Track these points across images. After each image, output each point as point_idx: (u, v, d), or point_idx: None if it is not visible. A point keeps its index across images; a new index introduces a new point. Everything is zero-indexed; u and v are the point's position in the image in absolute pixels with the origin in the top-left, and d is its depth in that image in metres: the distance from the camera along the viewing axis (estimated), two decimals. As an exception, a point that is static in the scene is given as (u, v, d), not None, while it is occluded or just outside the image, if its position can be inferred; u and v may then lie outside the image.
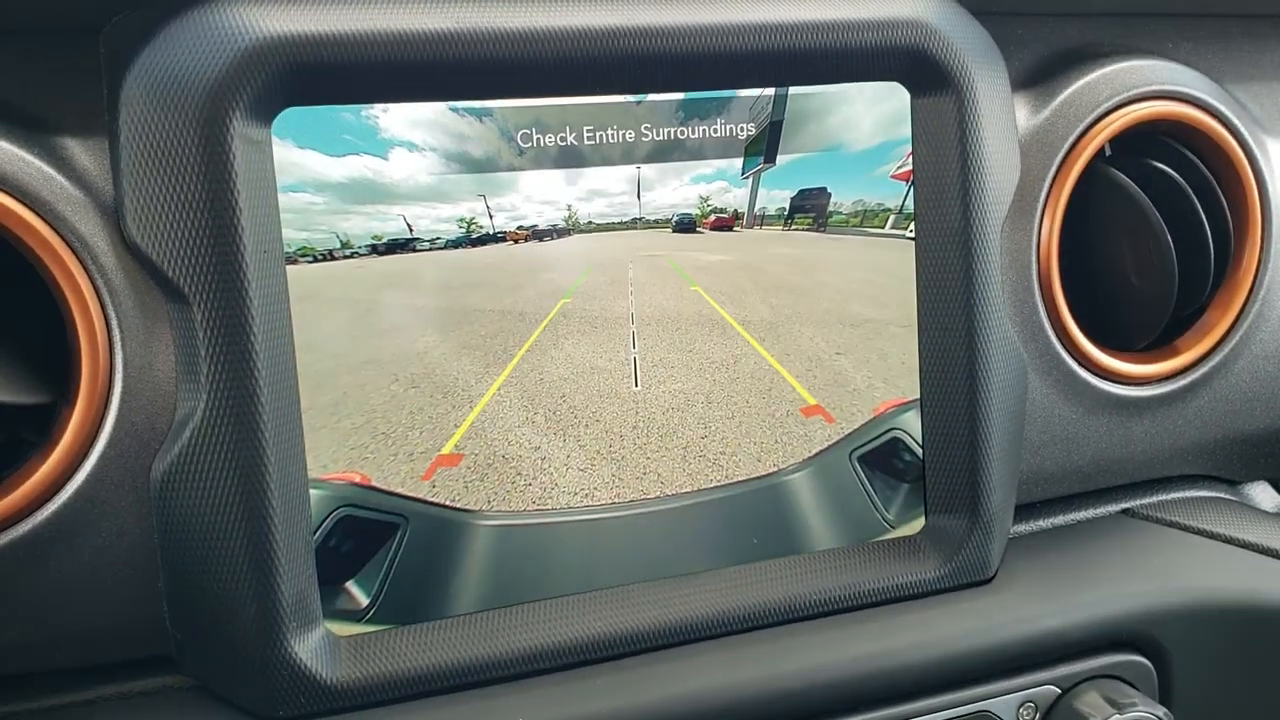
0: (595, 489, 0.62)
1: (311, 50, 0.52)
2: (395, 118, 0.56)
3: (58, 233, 0.53)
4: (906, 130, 0.65)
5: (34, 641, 0.55)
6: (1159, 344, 0.75)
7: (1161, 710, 0.65)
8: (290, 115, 0.54)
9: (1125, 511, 0.78)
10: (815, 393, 0.65)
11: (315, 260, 0.56)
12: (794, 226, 0.65)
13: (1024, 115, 0.70)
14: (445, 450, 0.59)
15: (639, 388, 0.62)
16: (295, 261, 0.55)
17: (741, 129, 0.63)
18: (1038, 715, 0.66)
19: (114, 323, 0.54)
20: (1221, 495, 0.80)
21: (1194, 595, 0.70)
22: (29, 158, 0.52)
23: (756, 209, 0.64)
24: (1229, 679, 0.71)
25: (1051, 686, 0.67)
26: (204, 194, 0.52)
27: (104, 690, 0.58)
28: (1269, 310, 0.76)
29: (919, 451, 0.67)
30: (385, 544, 0.58)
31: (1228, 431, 0.78)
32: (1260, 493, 0.83)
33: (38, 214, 0.52)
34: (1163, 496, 0.79)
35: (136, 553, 0.56)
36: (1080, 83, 0.70)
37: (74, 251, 0.53)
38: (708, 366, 0.64)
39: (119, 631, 0.57)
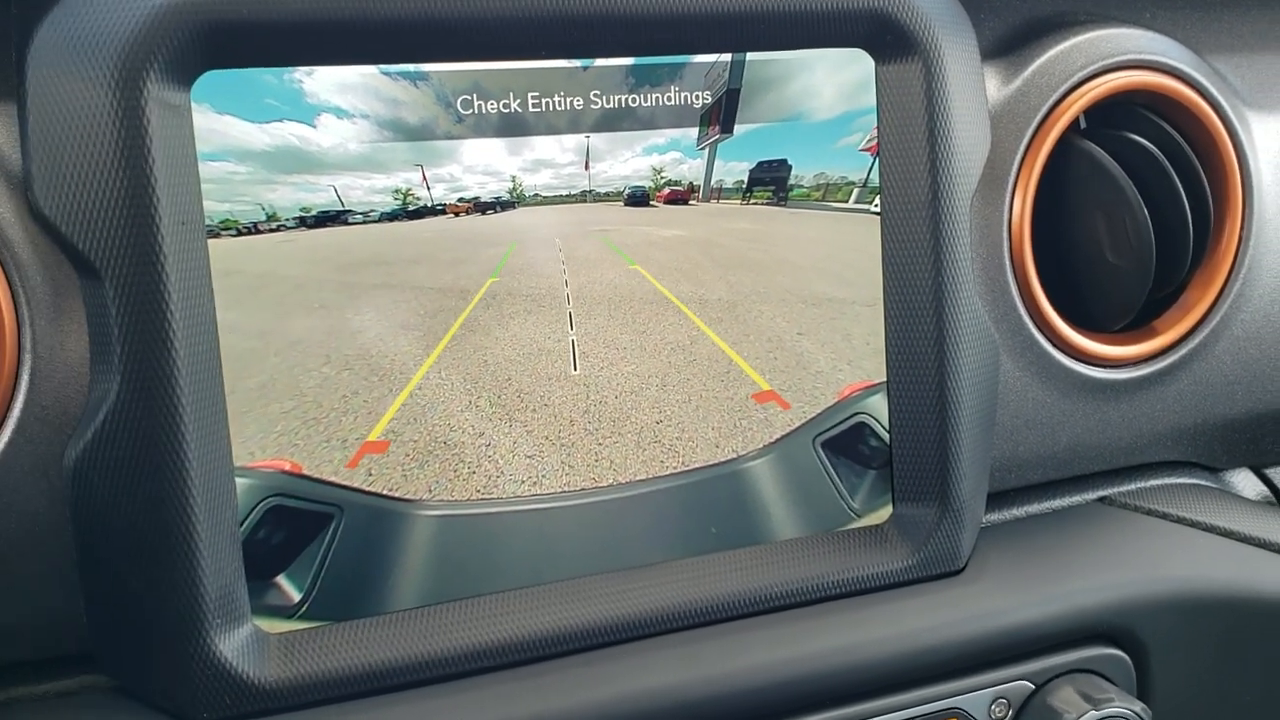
0: (544, 476, 0.59)
1: (231, 7, 0.49)
2: (322, 81, 0.53)
3: (-41, 203, 0.49)
4: (871, 100, 0.62)
5: (-61, 640, 0.52)
6: (1136, 325, 0.72)
7: (1139, 706, 0.62)
8: (209, 78, 0.50)
9: (1102, 499, 0.75)
10: (776, 376, 0.62)
11: (239, 234, 0.52)
12: (753, 200, 0.62)
13: (994, 86, 0.67)
14: (372, 436, 0.56)
15: (578, 371, 0.59)
16: (217, 235, 0.52)
17: (697, 97, 0.59)
18: (1010, 712, 0.63)
19: (21, 299, 0.51)
20: (1202, 482, 0.77)
21: (1174, 586, 0.67)
22: (-73, 124, 0.49)
23: (713, 182, 0.61)
24: (1210, 672, 0.68)
25: (1025, 682, 0.64)
26: (117, 161, 0.48)
27: (16, 691, 0.54)
28: (1250, 290, 0.73)
29: (885, 437, 0.64)
30: (318, 536, 0.55)
31: (1208, 416, 0.75)
32: (1242, 480, 0.80)
33: (-63, 183, 0.49)
34: (1141, 484, 0.76)
35: (49, 545, 0.52)
36: (1053, 51, 0.67)
37: (-24, 223, 0.50)
38: (662, 348, 0.60)
39: (32, 628, 0.53)
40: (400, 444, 0.56)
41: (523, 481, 0.59)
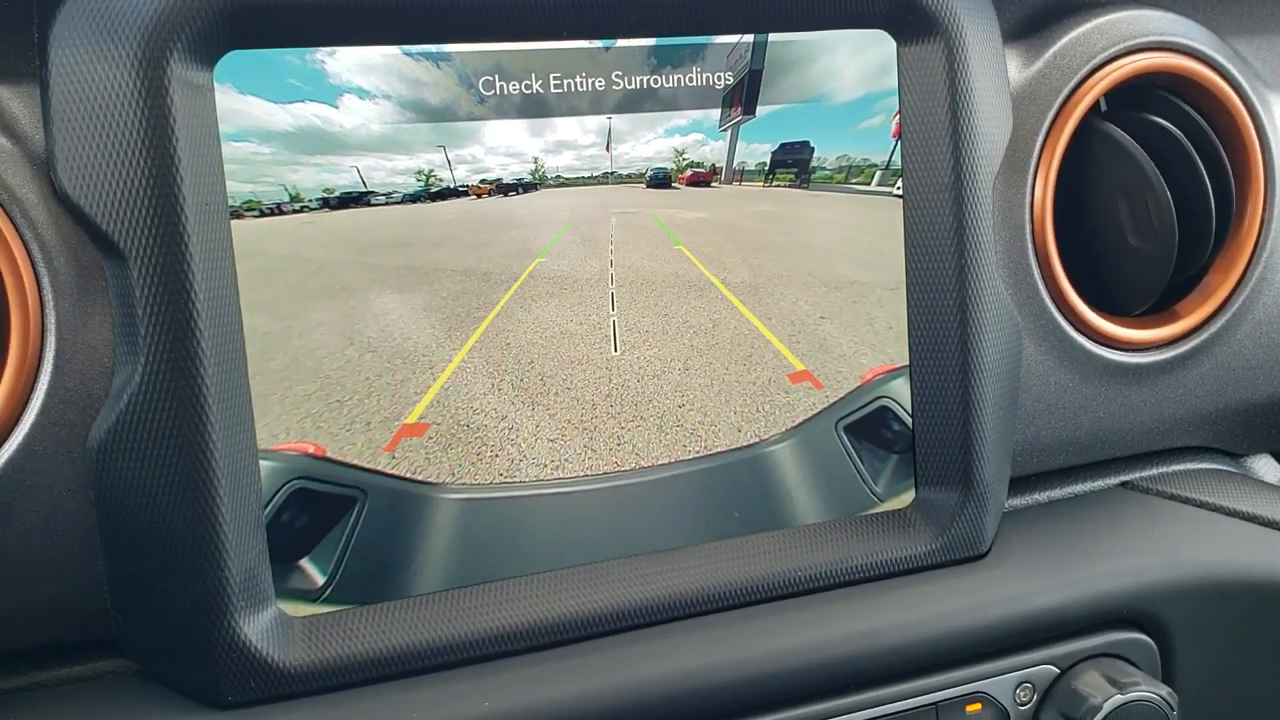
0: (566, 460, 0.58)
1: (255, -14, 0.49)
2: (344, 61, 0.52)
3: (-18, 184, 0.49)
4: (892, 81, 0.61)
5: (-37, 624, 0.52)
6: (1158, 309, 0.72)
7: (1165, 690, 0.62)
8: (231, 59, 0.50)
9: (1124, 484, 0.74)
10: (800, 358, 0.62)
11: (262, 214, 0.52)
12: (775, 182, 0.61)
13: (1015, 68, 0.67)
14: (410, 419, 0.56)
15: (618, 353, 0.59)
16: (240, 216, 0.51)
17: (719, 78, 0.59)
18: (1035, 696, 0.63)
19: (45, 281, 0.51)
20: (1224, 468, 0.77)
21: (1197, 570, 0.67)
22: (-50, 104, 0.49)
23: (735, 164, 0.61)
24: (1233, 657, 0.68)
25: (1049, 666, 0.63)
26: (141, 142, 0.48)
27: (39, 675, 0.54)
28: (1272, 273, 0.72)
29: (908, 421, 0.64)
30: (342, 519, 0.55)
31: (1230, 401, 0.75)
32: (1263, 465, 0.80)
33: (-40, 164, 0.49)
34: (1163, 469, 0.76)
35: (73, 528, 0.52)
36: (1074, 33, 0.67)
37: (0, 204, 0.49)
38: (684, 331, 0.60)
39: (55, 613, 0.53)
40: (430, 427, 0.56)
41: (545, 465, 0.58)
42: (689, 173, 0.60)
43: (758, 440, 0.62)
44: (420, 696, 0.54)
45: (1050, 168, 0.66)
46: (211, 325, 0.50)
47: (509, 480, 0.58)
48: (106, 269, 0.51)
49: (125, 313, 0.50)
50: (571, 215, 0.58)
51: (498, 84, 0.55)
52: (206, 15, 0.49)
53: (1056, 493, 0.73)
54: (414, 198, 0.55)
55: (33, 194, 0.50)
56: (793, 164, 0.61)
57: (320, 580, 0.55)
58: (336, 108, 0.53)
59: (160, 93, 0.48)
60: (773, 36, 0.59)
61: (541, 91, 0.56)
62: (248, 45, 0.51)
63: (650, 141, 0.59)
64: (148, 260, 0.49)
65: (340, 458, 0.54)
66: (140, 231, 0.49)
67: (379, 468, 0.55)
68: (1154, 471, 0.75)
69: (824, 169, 0.62)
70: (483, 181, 0.56)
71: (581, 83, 0.56)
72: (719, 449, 0.61)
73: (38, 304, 0.50)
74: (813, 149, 0.61)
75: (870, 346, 0.63)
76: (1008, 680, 0.63)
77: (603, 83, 0.57)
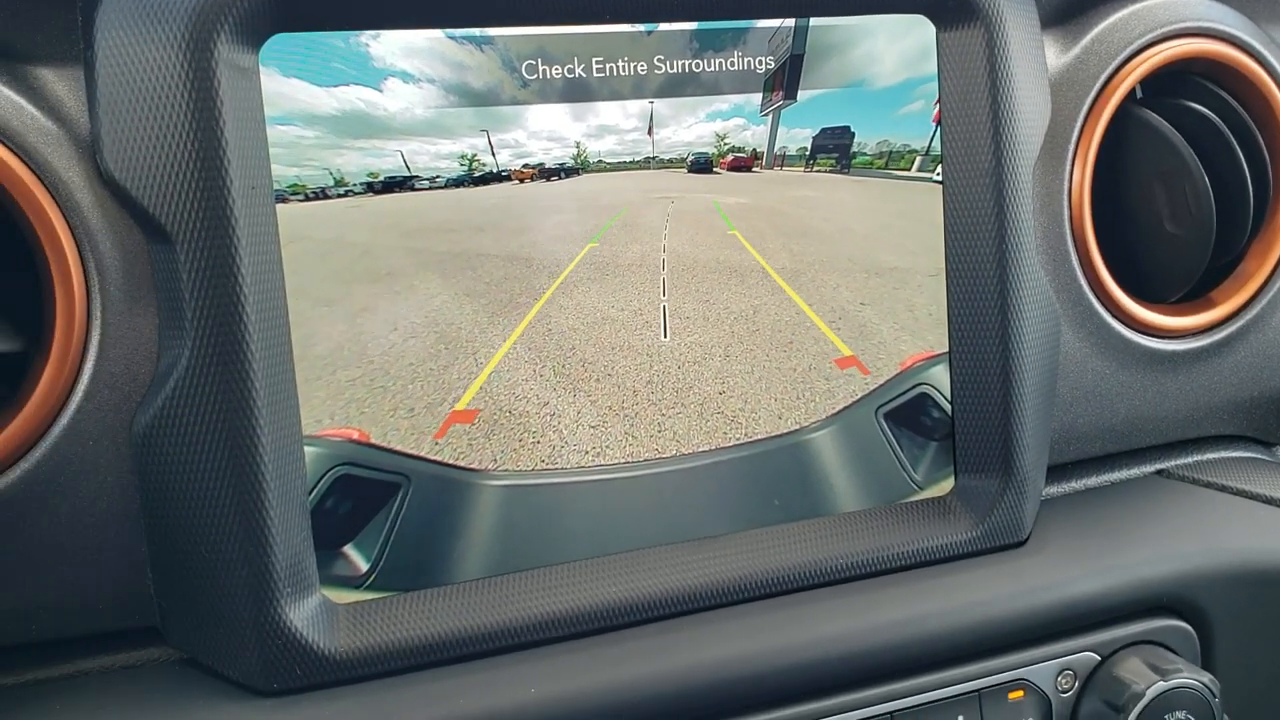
0: (607, 447, 0.58)
1: (302, -32, 0.48)
2: (388, 45, 0.52)
3: (29, 167, 0.49)
4: (932, 67, 0.61)
5: (6, 611, 0.51)
6: (1193, 296, 0.72)
7: (1207, 677, 0.61)
8: (276, 42, 0.50)
9: (1160, 472, 0.74)
10: (843, 344, 0.62)
11: (306, 199, 0.52)
12: (816, 168, 0.61)
13: (1053, 54, 0.67)
14: (460, 406, 0.55)
15: (668, 339, 0.59)
16: (285, 200, 0.51)
17: (760, 62, 0.59)
18: (1077, 683, 0.63)
19: (90, 265, 0.50)
20: (1259, 456, 0.77)
21: (1236, 557, 0.66)
22: (-3, 86, 0.49)
23: (776, 149, 0.60)
24: (1273, 643, 0.68)
25: (1090, 653, 0.63)
26: (187, 125, 0.48)
27: (84, 664, 0.54)
28: (1309, 260, 0.72)
29: (948, 408, 0.63)
30: (386, 505, 0.54)
31: (1264, 389, 0.75)
32: (1297, 455, 0.79)
33: (7, 147, 0.48)
34: (1198, 457, 0.75)
35: (118, 515, 0.52)
36: (1111, 19, 0.67)
37: (46, 188, 0.49)
38: (726, 317, 0.60)
39: (100, 600, 0.53)
40: (480, 413, 0.55)
41: (586, 451, 0.58)
42: (730, 157, 0.60)
43: (798, 427, 0.61)
44: (466, 683, 0.53)
45: (1088, 154, 0.66)
46: (257, 310, 0.49)
47: (551, 467, 0.57)
48: (152, 253, 0.51)
49: (171, 297, 0.50)
50: (620, 199, 0.57)
51: (540, 68, 0.55)
52: (253, -3, 0.48)
53: (1093, 480, 0.73)
54: (458, 182, 0.55)
55: (78, 177, 0.50)
56: (834, 149, 0.61)
57: (364, 567, 0.54)
58: (381, 91, 0.52)
59: (207, 75, 0.48)
60: (814, 21, 0.59)
61: (584, 76, 0.56)
62: (293, 28, 0.50)
63: (692, 126, 0.58)
64: (194, 244, 0.48)
65: (384, 444, 0.54)
66: (186, 215, 0.48)
67: (422, 454, 0.55)
68: (1189, 460, 0.75)
69: (864, 154, 0.62)
70: (525, 166, 0.56)
71: (624, 67, 0.56)
72: (759, 436, 0.61)
73: (83, 288, 0.50)
74: (853, 134, 0.61)
75: (910, 333, 0.63)
76: (1049, 668, 0.62)
77: (645, 67, 0.57)
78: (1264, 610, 0.67)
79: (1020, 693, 0.62)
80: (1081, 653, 0.63)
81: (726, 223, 0.59)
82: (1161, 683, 0.61)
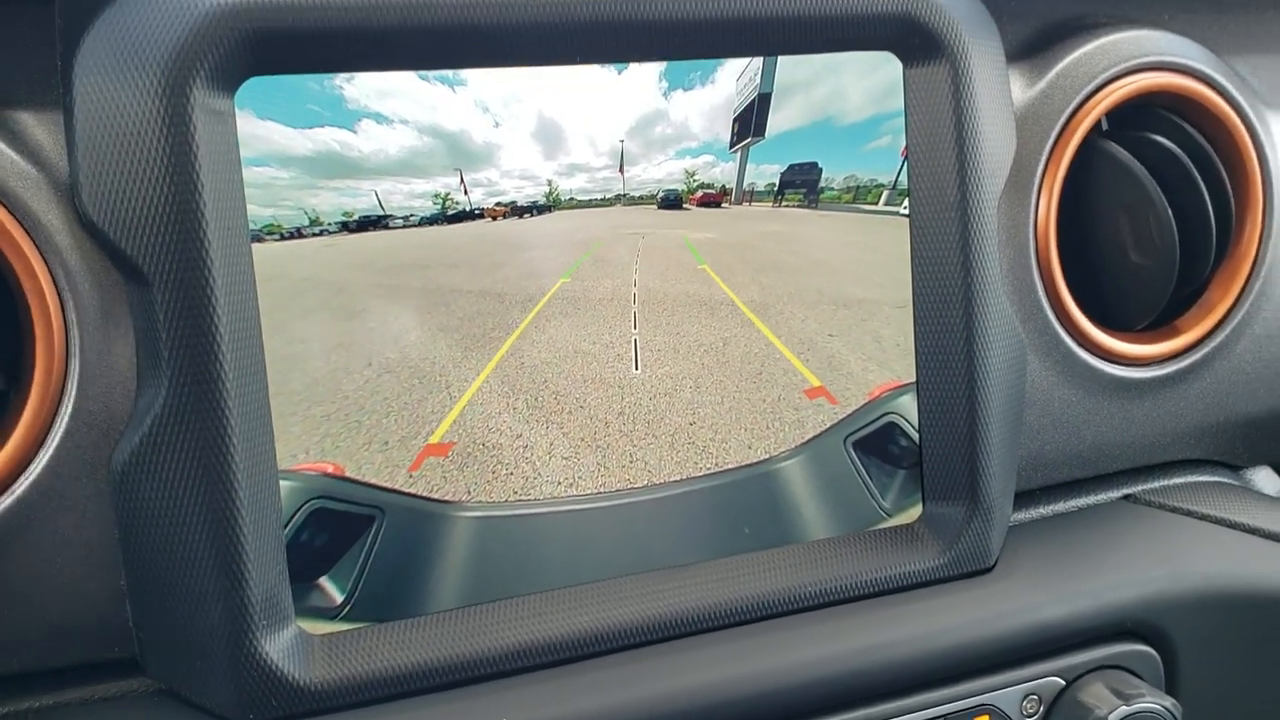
0: (579, 478, 0.59)
1: (276, 15, 0.49)
2: (362, 87, 0.53)
3: (8, 210, 0.50)
4: (898, 103, 0.62)
5: (-12, 644, 0.52)
6: (1159, 324, 0.73)
7: (1170, 701, 0.63)
8: (251, 85, 0.51)
9: (1127, 497, 0.75)
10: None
11: (282, 238, 0.53)
12: (784, 203, 0.62)
13: (1019, 88, 0.68)
14: (434, 439, 0.56)
15: (640, 371, 0.60)
16: (261, 239, 0.52)
17: (729, 100, 0.60)
18: (1042, 708, 0.64)
19: (69, 305, 0.51)
20: (1224, 480, 0.78)
21: (1200, 582, 0.67)
22: (-23, 132, 0.50)
23: (745, 184, 0.62)
24: (1237, 668, 0.69)
25: (1055, 678, 0.64)
26: (164, 168, 0.49)
27: (64, 695, 0.55)
28: (1271, 288, 0.74)
29: (915, 436, 0.65)
30: (360, 537, 0.56)
31: (1230, 414, 0.76)
32: (1263, 477, 0.81)
33: (-15, 191, 0.50)
34: (1164, 482, 0.77)
35: (97, 549, 0.53)
36: (1076, 54, 0.68)
37: (26, 230, 0.50)
38: (696, 349, 0.61)
39: (79, 632, 0.54)
40: (454, 446, 0.56)
41: (559, 482, 0.59)
42: (700, 194, 0.61)
43: (768, 457, 0.63)
44: (439, 712, 0.54)
45: (1054, 186, 0.67)
46: (233, 348, 0.51)
47: (524, 498, 0.58)
48: (129, 293, 0.52)
49: (148, 336, 0.51)
50: (591, 235, 0.58)
51: (512, 108, 0.56)
52: (227, 43, 0.49)
53: (1060, 506, 0.74)
54: (431, 220, 0.56)
55: (57, 219, 0.51)
56: (801, 184, 0.62)
57: (339, 598, 0.55)
58: (354, 132, 0.54)
59: (183, 119, 0.49)
60: (781, 59, 0.60)
61: (555, 115, 0.57)
62: (267, 71, 0.51)
63: (662, 163, 0.60)
64: (171, 284, 0.49)
65: (359, 477, 0.55)
66: (163, 256, 0.49)
67: (397, 487, 0.56)
68: (1156, 484, 0.77)
69: (832, 189, 0.63)
70: (498, 204, 0.57)
71: (595, 106, 0.57)
72: (729, 465, 0.62)
73: (62, 328, 0.51)
74: (821, 170, 0.62)
75: (878, 363, 0.64)
76: (1015, 692, 0.63)
77: (616, 106, 0.58)
78: (1227, 634, 0.68)
79: (986, 717, 0.63)
80: (1046, 677, 0.64)
81: (696, 257, 0.60)
82: (1124, 707, 0.62)
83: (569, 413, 0.59)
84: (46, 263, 0.51)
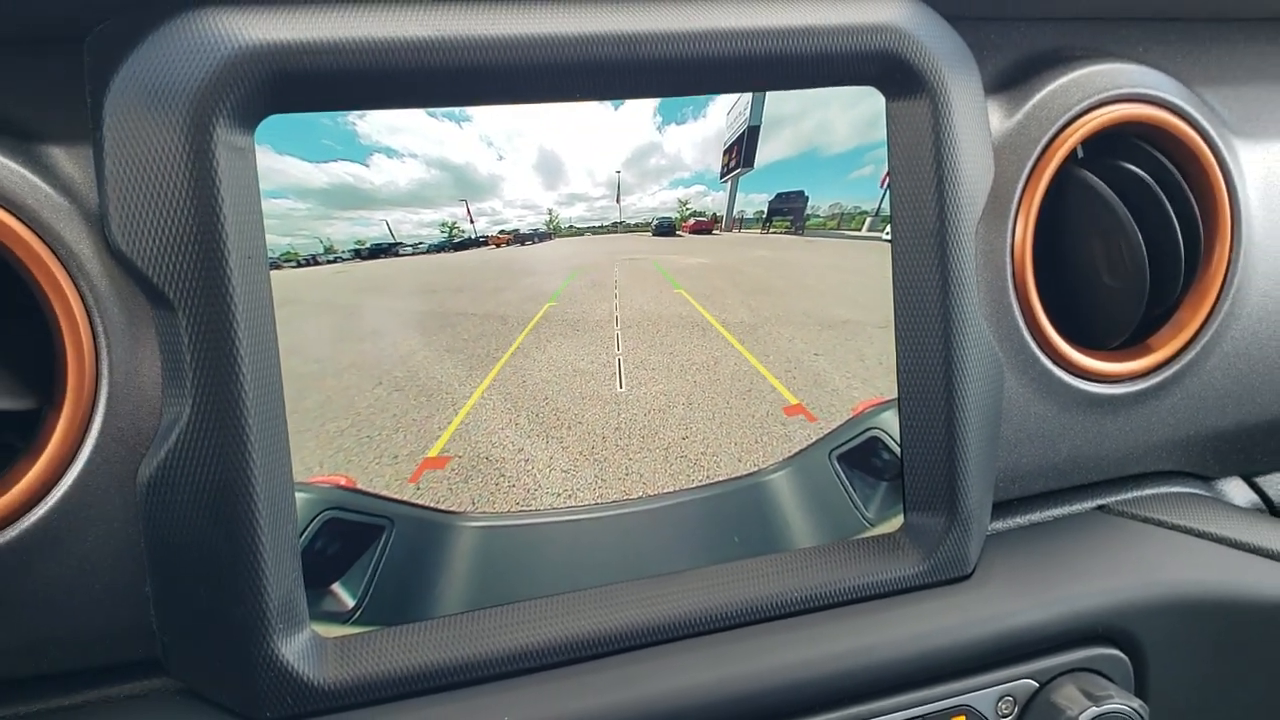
0: (578, 490, 0.63)
1: (294, 58, 0.53)
2: (374, 124, 0.57)
3: (43, 240, 0.53)
4: (881, 134, 0.66)
5: (20, 646, 0.56)
6: (1132, 342, 0.76)
7: (1138, 703, 0.66)
8: (269, 122, 0.54)
9: (1100, 508, 0.79)
10: (795, 393, 0.66)
11: (299, 265, 0.56)
12: (772, 229, 0.66)
13: (997, 119, 0.71)
14: (432, 453, 0.60)
15: (623, 389, 0.63)
16: (279, 266, 0.56)
17: (719, 133, 0.63)
18: (1016, 708, 0.67)
19: (99, 328, 0.55)
20: (1195, 491, 0.82)
21: (1169, 590, 0.71)
22: (14, 166, 0.53)
23: (735, 212, 0.65)
24: (1204, 672, 0.72)
25: (1029, 680, 0.68)
26: (188, 201, 0.52)
27: (90, 694, 0.58)
28: (1239, 308, 0.77)
29: (897, 450, 0.68)
30: (371, 546, 0.59)
31: (1200, 428, 0.79)
32: (1233, 488, 0.84)
33: (22, 221, 0.53)
34: (1137, 493, 0.80)
35: (123, 557, 0.56)
36: (1052, 86, 0.71)
37: (59, 258, 0.54)
38: (688, 368, 0.64)
39: (106, 635, 0.57)
40: (452, 460, 0.60)
41: (558, 494, 0.62)
42: (692, 221, 0.64)
43: (756, 469, 0.66)
44: (445, 711, 0.58)
45: (1030, 212, 0.71)
46: (253, 368, 0.54)
47: (525, 509, 0.62)
48: (156, 317, 0.55)
49: (173, 358, 0.54)
50: (579, 262, 0.62)
51: (515, 141, 0.59)
52: (249, 83, 0.52)
53: (1036, 516, 0.78)
54: (438, 248, 0.59)
55: (88, 249, 0.54)
56: (788, 212, 0.66)
57: (351, 603, 0.59)
58: (367, 166, 0.57)
59: (206, 155, 0.52)
60: (770, 94, 0.63)
61: (555, 149, 0.60)
62: (285, 110, 0.55)
63: (656, 193, 0.63)
64: (195, 309, 0.53)
65: (369, 489, 0.58)
66: (188, 283, 0.53)
67: (405, 498, 0.59)
68: (1129, 495, 0.80)
69: (817, 216, 0.66)
70: (501, 232, 0.60)
71: (594, 140, 0.61)
72: (720, 478, 0.65)
73: (92, 350, 0.54)
74: (807, 198, 0.66)
75: (861, 381, 0.67)
76: (990, 694, 0.67)
77: (613, 139, 0.61)
78: (1195, 640, 0.71)
79: (962, 718, 0.66)
80: (1021, 680, 0.67)
81: (671, 282, 0.63)
82: (1094, 708, 0.65)
83: (568, 428, 0.62)
84: (78, 289, 0.54)
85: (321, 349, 0.57)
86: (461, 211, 0.59)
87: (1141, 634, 0.70)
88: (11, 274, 0.54)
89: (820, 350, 0.67)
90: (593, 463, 0.63)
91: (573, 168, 0.61)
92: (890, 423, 0.68)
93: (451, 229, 0.59)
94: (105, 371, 0.55)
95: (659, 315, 0.64)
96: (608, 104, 0.61)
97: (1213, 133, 0.74)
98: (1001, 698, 0.67)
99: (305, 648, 0.57)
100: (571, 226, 0.61)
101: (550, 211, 0.61)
